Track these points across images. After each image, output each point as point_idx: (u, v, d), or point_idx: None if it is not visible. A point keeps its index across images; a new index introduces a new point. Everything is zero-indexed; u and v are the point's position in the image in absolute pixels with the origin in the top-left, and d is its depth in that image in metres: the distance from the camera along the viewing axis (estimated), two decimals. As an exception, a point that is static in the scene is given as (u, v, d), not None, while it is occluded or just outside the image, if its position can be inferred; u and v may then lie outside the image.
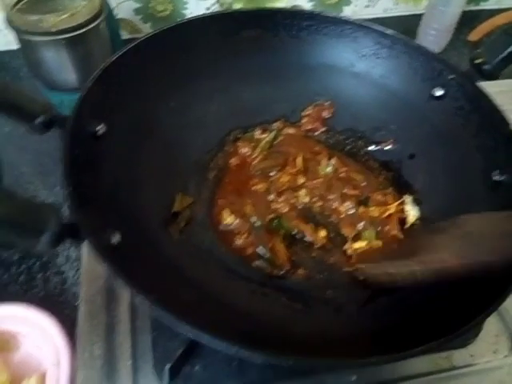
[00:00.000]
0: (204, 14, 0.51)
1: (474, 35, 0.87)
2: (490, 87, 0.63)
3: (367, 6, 0.91)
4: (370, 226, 0.46)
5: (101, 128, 0.41)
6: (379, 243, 0.45)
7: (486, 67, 0.43)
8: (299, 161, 0.51)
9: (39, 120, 0.35)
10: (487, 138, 0.44)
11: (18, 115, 0.35)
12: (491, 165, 0.42)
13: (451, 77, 0.47)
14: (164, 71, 0.49)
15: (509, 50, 0.42)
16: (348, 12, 0.90)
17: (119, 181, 0.41)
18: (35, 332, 0.43)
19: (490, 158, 0.43)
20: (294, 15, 0.52)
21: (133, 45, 0.46)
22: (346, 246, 0.45)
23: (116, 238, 0.35)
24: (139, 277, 0.31)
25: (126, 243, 0.35)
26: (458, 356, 0.44)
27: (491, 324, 0.46)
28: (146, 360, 0.41)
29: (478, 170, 0.43)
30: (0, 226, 0.27)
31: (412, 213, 0.46)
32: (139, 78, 0.47)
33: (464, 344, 0.44)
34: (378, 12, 0.93)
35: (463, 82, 0.46)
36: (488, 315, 0.31)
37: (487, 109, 0.44)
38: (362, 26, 0.51)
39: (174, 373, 0.39)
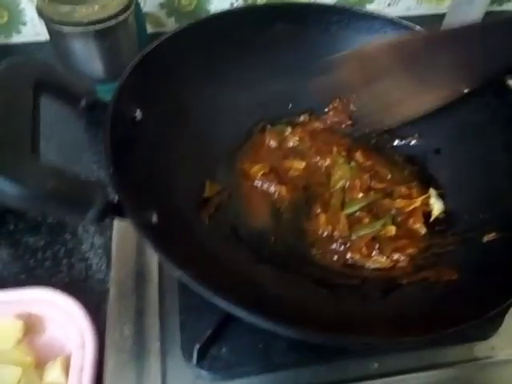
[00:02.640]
0: (238, 7, 0.52)
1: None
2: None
3: (390, 5, 0.92)
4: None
5: (138, 114, 0.42)
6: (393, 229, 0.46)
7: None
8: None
9: (83, 102, 0.36)
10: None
11: (64, 96, 0.36)
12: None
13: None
14: (198, 61, 0.50)
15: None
16: (370, 10, 0.91)
17: (155, 164, 0.42)
18: (60, 316, 0.44)
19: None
20: (324, 9, 0.53)
21: (170, 35, 0.47)
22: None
23: (154, 218, 0.36)
24: (176, 254, 0.33)
25: (163, 223, 0.36)
26: (480, 348, 0.44)
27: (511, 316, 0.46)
28: (174, 341, 0.42)
29: (502, 165, 0.44)
30: (50, 199, 0.29)
31: (436, 206, 0.47)
32: (174, 67, 0.48)
33: (486, 336, 0.44)
34: (400, 10, 0.93)
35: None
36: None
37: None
38: (392, 21, 0.51)
39: (202, 354, 0.40)
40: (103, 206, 0.30)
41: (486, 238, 0.42)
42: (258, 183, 0.49)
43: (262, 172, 0.49)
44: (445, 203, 0.48)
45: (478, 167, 0.46)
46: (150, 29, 0.84)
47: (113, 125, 0.37)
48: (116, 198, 0.33)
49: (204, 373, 0.40)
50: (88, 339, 0.42)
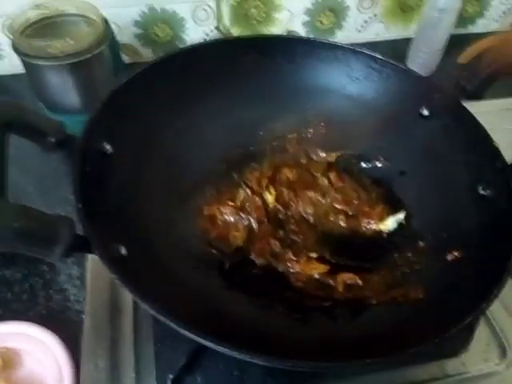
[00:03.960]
0: (206, 41, 0.54)
1: (463, 58, 0.90)
2: (475, 107, 0.67)
3: (359, 31, 0.95)
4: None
5: (108, 148, 0.43)
6: None
7: (469, 88, 0.46)
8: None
9: (52, 139, 0.37)
10: (473, 154, 0.46)
11: (33, 135, 0.37)
12: (477, 180, 0.45)
13: (437, 96, 0.50)
14: (168, 94, 0.52)
15: (488, 72, 0.45)
16: (341, 36, 0.94)
17: (126, 197, 0.43)
18: (38, 349, 0.44)
19: (476, 173, 0.45)
20: (289, 41, 0.55)
21: (139, 71, 0.49)
22: None
23: (123, 251, 0.36)
24: (145, 287, 0.33)
25: (132, 255, 0.37)
26: (451, 365, 0.45)
27: (482, 333, 0.47)
28: (149, 372, 0.43)
29: (465, 184, 0.46)
30: (17, 239, 0.29)
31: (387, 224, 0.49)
32: (144, 101, 0.49)
33: (456, 353, 0.45)
34: (369, 36, 0.96)
35: (448, 102, 0.49)
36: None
37: (472, 127, 0.47)
38: (354, 50, 0.54)
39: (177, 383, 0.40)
40: (69, 242, 0.31)
41: (449, 257, 0.44)
42: (229, 212, 0.50)
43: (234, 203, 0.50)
44: (411, 223, 0.49)
45: (440, 188, 0.48)
46: (127, 59, 0.85)
47: (82, 159, 0.38)
48: (83, 232, 0.33)
49: (179, 403, 0.40)
50: (66, 372, 0.42)
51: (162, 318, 0.31)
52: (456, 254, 0.43)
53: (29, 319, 0.45)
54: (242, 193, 0.51)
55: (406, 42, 0.89)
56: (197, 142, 0.53)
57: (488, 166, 0.44)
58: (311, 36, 0.89)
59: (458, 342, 0.45)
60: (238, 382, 0.41)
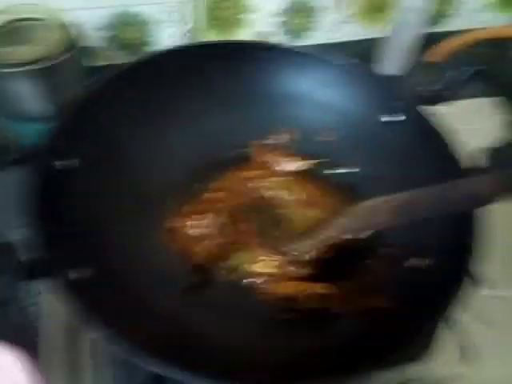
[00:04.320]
0: (169, 49, 0.53)
1: (431, 56, 0.91)
2: (446, 108, 0.68)
3: (331, 31, 0.95)
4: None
5: (69, 163, 0.42)
6: None
7: (427, 93, 0.46)
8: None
9: (9, 157, 0.36)
10: (433, 159, 0.47)
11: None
12: (436, 182, 0.45)
13: (401, 102, 0.50)
14: (133, 104, 0.51)
15: (447, 77, 0.45)
16: (313, 37, 0.94)
17: (86, 217, 0.42)
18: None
19: (440, 179, 0.45)
20: (253, 47, 0.55)
21: (102, 80, 0.48)
22: None
23: (82, 274, 0.36)
24: (104, 312, 0.33)
25: (92, 278, 0.36)
26: (414, 369, 0.45)
27: (444, 336, 0.48)
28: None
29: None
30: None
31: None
32: (109, 112, 0.48)
33: (419, 357, 0.46)
34: (342, 36, 0.96)
35: (409, 107, 0.49)
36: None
37: (435, 132, 0.47)
38: (321, 56, 0.54)
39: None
40: (13, 269, 0.30)
41: (410, 264, 0.44)
42: (190, 226, 0.49)
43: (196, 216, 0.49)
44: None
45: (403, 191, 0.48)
46: (96, 63, 0.84)
47: (40, 176, 0.37)
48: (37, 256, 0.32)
49: (141, 426, 0.40)
50: None
51: (120, 347, 0.30)
52: (417, 260, 0.44)
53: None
54: (204, 206, 0.50)
55: (376, 42, 0.89)
56: (160, 153, 0.52)
57: (447, 170, 0.44)
58: (285, 37, 0.89)
59: (420, 346, 0.46)
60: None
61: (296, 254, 0.46)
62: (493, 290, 0.52)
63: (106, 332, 0.30)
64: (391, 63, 0.87)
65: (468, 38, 0.89)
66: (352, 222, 0.42)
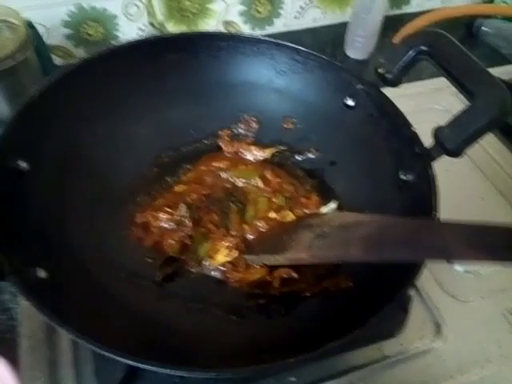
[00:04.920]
0: (123, 44, 0.52)
1: (397, 38, 0.92)
2: (406, 89, 0.68)
3: (296, 18, 0.95)
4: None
5: (24, 164, 0.42)
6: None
7: (387, 76, 0.47)
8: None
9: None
10: (394, 141, 0.47)
11: None
12: (399, 165, 0.46)
13: (359, 87, 0.50)
14: (89, 100, 0.50)
15: (406, 58, 0.46)
16: (279, 24, 0.93)
17: (46, 216, 0.42)
18: None
19: (398, 160, 0.46)
20: (211, 37, 0.54)
21: (55, 78, 0.47)
22: None
23: (42, 274, 0.35)
24: (66, 311, 0.32)
25: (54, 278, 0.36)
26: (389, 346, 0.47)
27: (417, 312, 0.49)
28: (90, 389, 0.42)
29: (388, 171, 0.47)
30: None
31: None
32: (64, 110, 0.47)
33: (393, 334, 0.47)
34: (307, 22, 0.96)
35: (369, 91, 0.49)
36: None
37: (392, 114, 0.47)
38: (276, 43, 0.53)
39: (117, 398, 0.39)
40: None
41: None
42: (164, 219, 0.49)
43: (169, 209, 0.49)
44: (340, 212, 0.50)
45: (366, 176, 0.49)
46: (59, 61, 0.82)
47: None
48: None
49: (122, 417, 0.40)
50: None
51: (84, 344, 0.30)
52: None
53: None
54: (176, 199, 0.50)
55: (344, 27, 0.89)
56: (123, 147, 0.51)
57: (407, 151, 0.45)
58: (248, 26, 0.88)
59: (393, 324, 0.47)
60: (181, 387, 0.41)
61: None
62: (466, 265, 0.54)
63: (70, 330, 0.30)
64: (357, 47, 0.88)
65: (434, 18, 0.90)
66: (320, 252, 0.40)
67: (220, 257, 0.46)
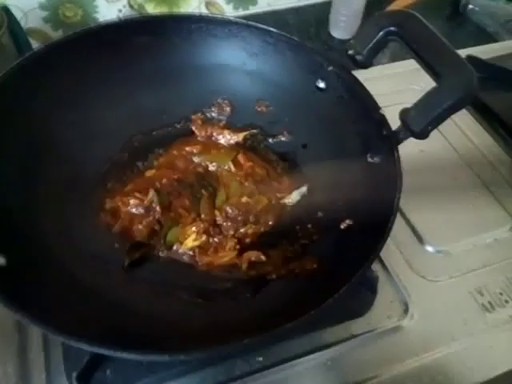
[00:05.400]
0: (92, 26, 0.51)
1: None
2: (384, 69, 0.68)
3: (280, -3, 0.93)
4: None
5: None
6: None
7: (358, 57, 0.46)
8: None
9: None
10: (363, 123, 0.47)
11: None
12: (367, 148, 0.46)
13: (330, 69, 0.50)
14: (57, 86, 0.49)
15: (375, 39, 0.45)
16: (263, 3, 0.92)
17: (12, 202, 0.42)
18: None
19: (366, 142, 0.46)
20: (181, 19, 0.53)
21: (20, 61, 0.46)
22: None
23: (1, 261, 0.35)
24: (30, 296, 0.33)
25: (15, 265, 0.36)
26: (356, 325, 0.48)
27: (385, 291, 0.50)
28: (60, 372, 0.43)
29: (357, 153, 0.47)
30: None
31: (291, 198, 0.50)
32: (30, 95, 0.47)
33: (361, 313, 0.48)
34: (291, 1, 0.95)
35: (341, 73, 0.49)
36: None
37: (362, 96, 0.47)
38: (247, 25, 0.53)
39: (84, 380, 0.40)
40: None
41: (342, 226, 0.45)
42: (133, 204, 0.49)
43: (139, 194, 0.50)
44: (311, 195, 0.50)
45: (336, 159, 0.49)
46: (37, 44, 0.81)
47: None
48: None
49: (90, 398, 0.41)
50: None
51: (41, 330, 0.31)
52: (348, 222, 0.45)
53: None
54: (147, 184, 0.50)
55: (329, 6, 0.87)
56: (94, 133, 0.51)
57: (376, 134, 0.45)
58: (231, 5, 0.87)
59: (361, 303, 0.48)
60: (147, 370, 0.42)
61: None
62: (435, 245, 0.54)
63: (24, 315, 0.31)
64: (341, 27, 0.86)
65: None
66: None
67: (189, 241, 0.46)
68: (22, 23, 0.75)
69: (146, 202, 0.49)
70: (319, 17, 0.92)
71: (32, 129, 0.47)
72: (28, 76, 0.46)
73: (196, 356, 0.33)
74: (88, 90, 0.51)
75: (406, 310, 0.49)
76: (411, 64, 0.72)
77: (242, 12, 0.89)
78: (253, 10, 0.91)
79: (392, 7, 0.89)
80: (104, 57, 0.52)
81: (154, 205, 0.49)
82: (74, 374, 0.39)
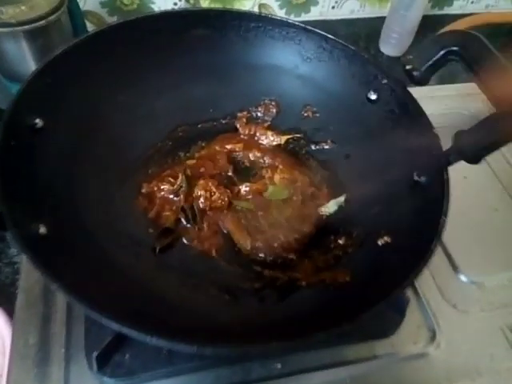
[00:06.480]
0: (153, 12, 0.52)
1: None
2: (435, 91, 0.67)
3: (334, 7, 0.93)
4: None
5: (39, 121, 0.42)
6: None
7: (415, 73, 0.45)
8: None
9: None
10: (413, 141, 0.46)
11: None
12: (414, 166, 0.45)
13: (384, 81, 0.49)
14: (112, 67, 0.50)
15: (435, 57, 0.44)
16: (315, 12, 0.92)
17: (56, 174, 0.42)
18: None
19: (414, 160, 0.45)
20: (241, 17, 0.53)
21: (81, 39, 0.47)
22: None
23: (42, 230, 0.36)
24: (62, 269, 0.33)
25: (55, 236, 0.36)
26: (380, 346, 0.46)
27: (413, 315, 0.48)
28: (79, 349, 0.43)
29: (403, 170, 0.46)
30: None
31: (329, 209, 0.49)
32: (86, 73, 0.48)
33: (385, 334, 0.46)
34: (344, 13, 0.94)
35: (395, 87, 0.48)
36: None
37: (415, 113, 0.46)
38: (306, 29, 0.52)
39: (104, 361, 0.40)
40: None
41: (380, 242, 0.44)
42: (166, 189, 0.49)
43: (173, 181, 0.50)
44: (348, 207, 0.49)
45: (380, 173, 0.47)
46: (91, 27, 0.83)
47: (6, 133, 0.37)
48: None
49: (107, 379, 0.41)
50: (8, 345, 0.42)
51: (73, 302, 0.31)
52: (386, 238, 0.44)
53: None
54: (181, 175, 0.50)
55: (381, 21, 0.87)
56: (141, 118, 0.52)
57: (425, 153, 0.44)
58: (284, 11, 0.87)
59: (388, 324, 0.46)
60: (166, 359, 0.41)
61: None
62: (470, 276, 0.52)
63: (61, 286, 0.31)
64: (392, 43, 0.85)
65: (476, 21, 0.87)
66: None
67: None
68: (81, 5, 0.76)
69: (175, 187, 0.49)
70: (370, 31, 0.91)
71: (84, 105, 0.47)
72: (85, 53, 0.47)
73: (223, 352, 0.33)
74: (140, 75, 0.52)
75: (432, 338, 0.48)
76: (464, 88, 0.72)
77: (293, 18, 0.89)
78: (304, 17, 0.91)
79: (450, 28, 0.88)
80: (160, 44, 0.52)
81: (180, 191, 0.49)
82: (95, 354, 0.39)
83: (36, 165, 0.40)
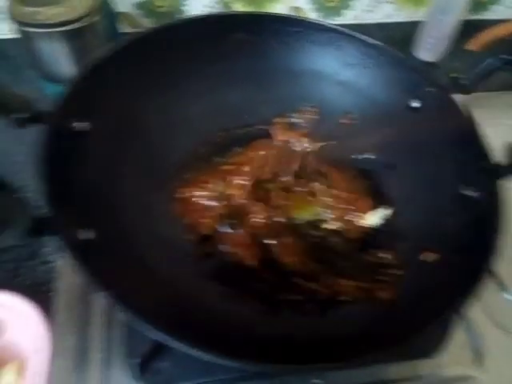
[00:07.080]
0: (192, 17, 0.51)
1: (473, 45, 0.86)
2: (479, 100, 0.64)
3: (368, 11, 0.91)
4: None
5: (84, 125, 0.42)
6: None
7: (462, 81, 0.43)
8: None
9: (14, 116, 0.36)
10: (459, 152, 0.44)
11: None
12: (462, 179, 0.43)
13: (429, 89, 0.47)
14: (152, 71, 0.50)
15: (483, 65, 0.43)
16: (349, 16, 0.90)
17: (100, 178, 0.42)
18: (18, 320, 0.44)
19: (460, 172, 0.43)
20: (281, 21, 0.52)
21: (122, 45, 0.47)
22: None
23: (90, 235, 0.36)
24: (107, 275, 0.33)
25: (99, 241, 0.36)
26: (423, 366, 0.44)
27: (459, 336, 0.46)
28: (117, 353, 0.42)
29: (450, 183, 0.44)
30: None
31: (372, 220, 0.48)
32: (127, 76, 0.47)
33: (429, 354, 0.44)
34: (378, 17, 0.92)
35: (440, 95, 0.46)
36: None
37: (461, 123, 0.44)
38: (348, 34, 0.51)
39: (144, 367, 0.40)
40: (25, 224, 0.30)
41: (426, 258, 0.42)
42: (200, 196, 0.48)
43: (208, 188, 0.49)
44: (394, 220, 0.48)
45: (426, 185, 0.46)
46: (125, 29, 0.83)
47: (51, 137, 0.37)
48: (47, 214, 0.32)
49: (146, 386, 0.40)
50: (44, 345, 0.42)
51: (120, 309, 0.30)
52: (433, 255, 0.42)
53: (12, 289, 0.45)
54: (218, 180, 0.49)
55: (416, 26, 0.85)
56: (178, 122, 0.51)
57: (474, 165, 0.42)
58: (317, 14, 0.86)
59: (431, 344, 0.44)
60: (206, 369, 0.41)
61: None
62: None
63: (107, 295, 0.30)
64: (427, 48, 0.83)
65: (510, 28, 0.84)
66: None
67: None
68: (114, 6, 0.77)
69: (213, 193, 0.48)
70: (404, 36, 0.89)
71: (124, 107, 0.47)
72: (129, 56, 0.47)
73: (270, 370, 0.32)
74: (180, 80, 0.52)
75: (477, 360, 0.46)
76: (508, 97, 0.69)
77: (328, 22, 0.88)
78: (338, 21, 0.89)
79: (484, 36, 0.85)
80: (200, 49, 0.52)
81: (218, 197, 0.48)
82: (137, 360, 0.39)
83: (81, 169, 0.40)
